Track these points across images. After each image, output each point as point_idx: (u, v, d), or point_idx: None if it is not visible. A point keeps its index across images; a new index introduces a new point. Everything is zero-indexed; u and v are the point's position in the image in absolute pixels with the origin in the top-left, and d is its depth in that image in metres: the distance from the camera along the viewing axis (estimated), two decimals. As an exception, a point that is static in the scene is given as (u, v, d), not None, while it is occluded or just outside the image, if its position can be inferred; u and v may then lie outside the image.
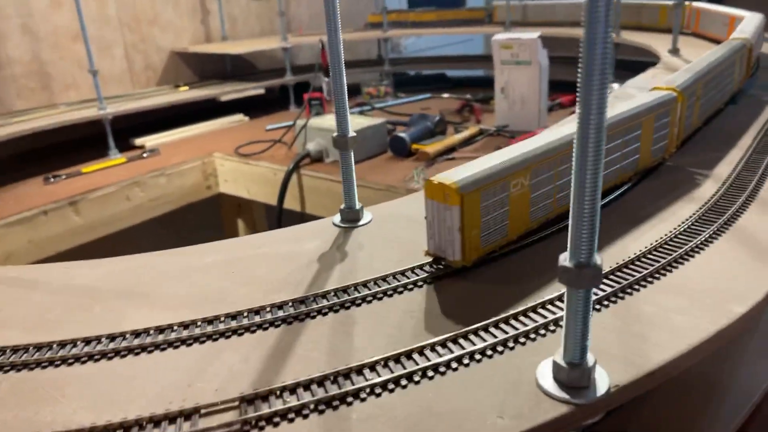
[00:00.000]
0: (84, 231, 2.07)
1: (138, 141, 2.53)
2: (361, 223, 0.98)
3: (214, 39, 3.23)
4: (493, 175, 0.85)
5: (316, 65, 2.42)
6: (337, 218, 0.99)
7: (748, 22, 1.80)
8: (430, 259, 0.86)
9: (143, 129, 2.64)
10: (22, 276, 0.91)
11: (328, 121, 2.19)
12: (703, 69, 1.27)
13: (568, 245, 0.56)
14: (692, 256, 0.84)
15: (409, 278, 0.82)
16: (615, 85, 2.07)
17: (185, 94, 2.71)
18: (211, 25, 3.21)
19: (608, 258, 0.85)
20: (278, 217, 2.14)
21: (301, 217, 3.38)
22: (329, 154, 2.14)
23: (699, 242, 0.87)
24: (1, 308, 0.81)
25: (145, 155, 2.39)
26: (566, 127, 0.97)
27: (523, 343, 0.67)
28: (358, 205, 0.98)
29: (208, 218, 2.85)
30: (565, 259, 0.57)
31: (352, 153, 0.94)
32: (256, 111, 2.95)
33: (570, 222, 0.55)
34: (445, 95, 3.04)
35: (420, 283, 0.82)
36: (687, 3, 2.24)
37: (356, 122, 2.15)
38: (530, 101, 2.25)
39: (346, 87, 0.89)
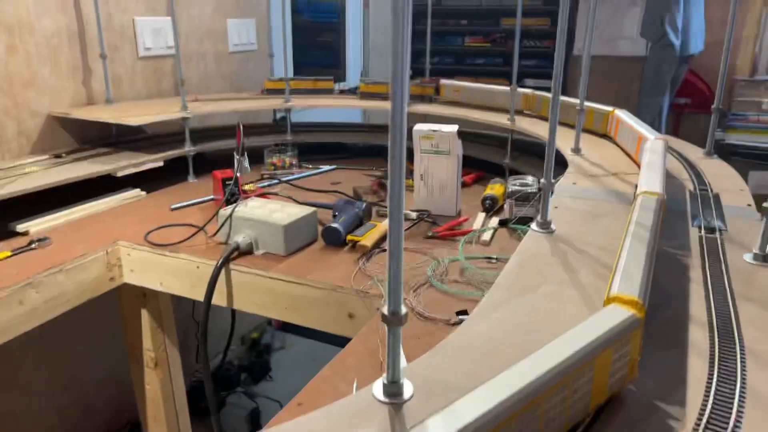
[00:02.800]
0: (-34, 347, 1.75)
1: (20, 227, 2.21)
2: (405, 397, 0.95)
3: (98, 101, 2.95)
4: (491, 420, 0.77)
5: (237, 148, 2.32)
6: (378, 390, 0.96)
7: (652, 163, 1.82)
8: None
9: (22, 209, 2.31)
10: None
11: (256, 210, 2.11)
12: (645, 271, 1.10)
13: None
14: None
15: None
16: (528, 178, 2.27)
17: (76, 170, 2.43)
18: (93, 86, 2.93)
19: None
20: (205, 315, 2.00)
21: (231, 313, 3.20)
22: (259, 246, 2.05)
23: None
24: None
25: (33, 246, 2.09)
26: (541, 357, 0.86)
27: None
28: (402, 379, 0.95)
29: (103, 311, 2.56)
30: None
31: (400, 330, 0.92)
32: (151, 183, 2.73)
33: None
34: (330, 167, 3.08)
35: None
36: (611, 110, 2.55)
37: (287, 212, 2.10)
38: (448, 187, 2.37)
39: (402, 256, 0.88)
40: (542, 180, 1.49)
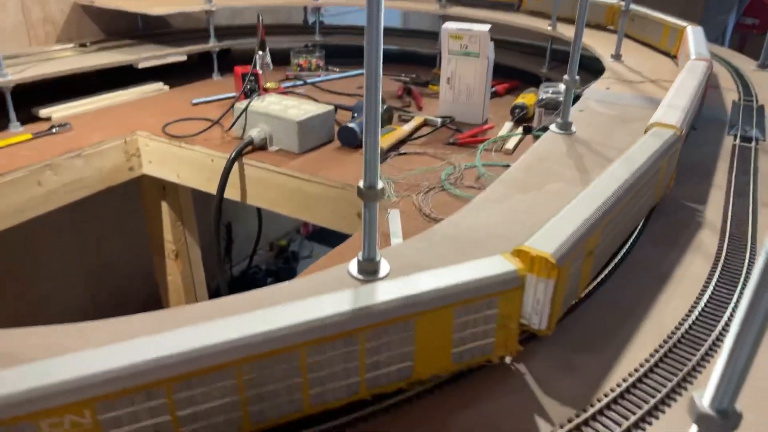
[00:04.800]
0: (-12, 222, 1.81)
1: (43, 112, 2.22)
2: (380, 275, 0.92)
3: (123, -9, 2.87)
4: (579, 240, 0.83)
5: (257, 41, 2.24)
6: (353, 267, 0.93)
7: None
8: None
9: (46, 96, 2.32)
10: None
11: (271, 105, 2.06)
12: (688, 103, 1.28)
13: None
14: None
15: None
16: (561, 86, 2.13)
17: (99, 58, 2.40)
18: (119, -24, 2.85)
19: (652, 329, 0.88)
20: (218, 207, 2.00)
21: (258, 218, 3.20)
22: (273, 142, 2.01)
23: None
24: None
25: (54, 131, 2.11)
26: (613, 170, 0.97)
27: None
28: (378, 256, 0.91)
29: (129, 202, 2.61)
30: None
31: (377, 206, 0.87)
32: (175, 78, 2.70)
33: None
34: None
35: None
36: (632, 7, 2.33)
37: (303, 109, 2.03)
38: (476, 93, 2.25)
39: (379, 129, 0.82)
40: (565, 76, 1.38)
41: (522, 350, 0.83)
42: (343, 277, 0.91)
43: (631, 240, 1.06)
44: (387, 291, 0.75)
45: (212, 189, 2.03)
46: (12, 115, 2.08)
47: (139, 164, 2.20)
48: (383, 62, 0.80)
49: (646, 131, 1.17)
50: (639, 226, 1.10)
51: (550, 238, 0.82)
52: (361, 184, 0.84)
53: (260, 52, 2.36)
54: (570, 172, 1.23)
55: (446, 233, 0.99)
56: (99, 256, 3.09)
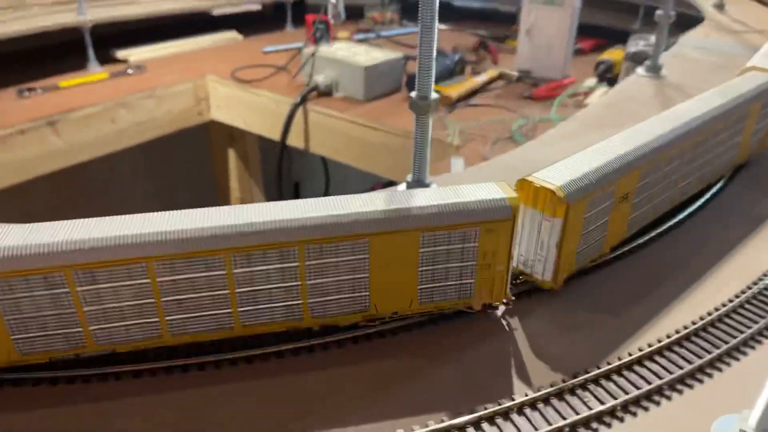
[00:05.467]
0: (64, 154, 1.87)
1: (121, 54, 2.27)
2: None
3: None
4: (603, 178, 0.70)
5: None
6: (402, 188, 0.86)
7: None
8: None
9: (124, 39, 2.37)
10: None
11: (339, 51, 2.00)
12: None
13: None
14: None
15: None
16: (652, 38, 1.93)
17: (175, 3, 2.43)
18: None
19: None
20: (280, 154, 1.98)
21: (325, 175, 3.18)
22: (339, 89, 1.96)
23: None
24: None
25: (130, 72, 2.16)
26: (671, 114, 0.84)
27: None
28: (428, 179, 0.84)
29: (197, 146, 2.65)
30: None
31: (431, 119, 0.79)
32: (249, 28, 2.69)
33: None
34: (444, 27, 2.84)
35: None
36: None
37: (371, 56, 1.96)
38: (557, 46, 2.09)
39: (435, 44, 0.74)
40: (658, 11, 1.23)
41: (515, 302, 0.71)
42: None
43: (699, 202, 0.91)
44: (336, 205, 0.64)
45: (277, 135, 2.01)
46: (91, 54, 2.14)
47: (207, 108, 2.22)
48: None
49: (739, 74, 1.02)
50: (719, 184, 0.94)
51: (563, 171, 0.69)
52: (413, 94, 0.76)
53: (333, 1, 2.30)
54: (654, 114, 1.09)
55: (507, 163, 0.91)
56: (170, 203, 3.19)
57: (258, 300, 0.65)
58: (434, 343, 0.69)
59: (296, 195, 4.03)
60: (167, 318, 0.65)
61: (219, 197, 2.77)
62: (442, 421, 0.57)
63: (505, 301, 0.71)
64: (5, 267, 0.60)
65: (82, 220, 0.65)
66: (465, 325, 0.71)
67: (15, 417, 0.61)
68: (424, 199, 0.65)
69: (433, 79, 0.76)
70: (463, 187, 0.68)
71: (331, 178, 3.36)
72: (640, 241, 0.81)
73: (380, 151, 1.82)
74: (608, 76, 1.99)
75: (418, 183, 0.82)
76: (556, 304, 0.73)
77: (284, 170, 2.05)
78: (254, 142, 2.57)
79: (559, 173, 0.68)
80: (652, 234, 0.83)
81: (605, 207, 0.72)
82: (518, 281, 0.75)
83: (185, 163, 2.97)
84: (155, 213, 0.66)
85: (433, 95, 0.76)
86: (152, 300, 0.63)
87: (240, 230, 0.62)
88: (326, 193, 3.50)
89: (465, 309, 0.71)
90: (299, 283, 0.65)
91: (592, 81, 2.05)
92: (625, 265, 0.79)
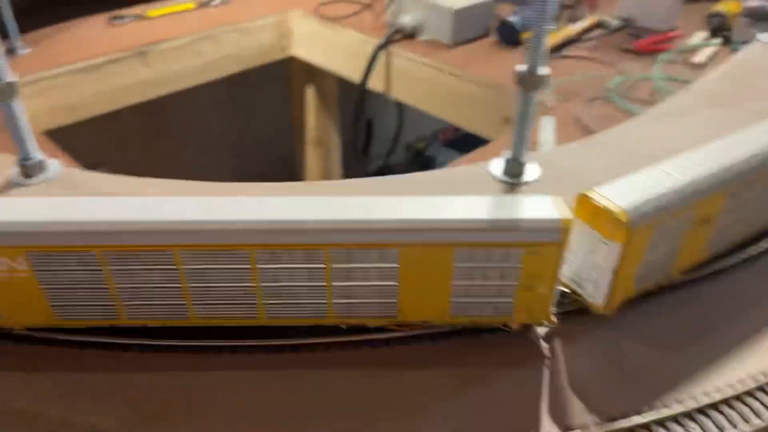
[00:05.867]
0: (152, 85, 1.92)
1: (207, -17, 2.25)
2: (525, 179, 0.80)
3: None
4: (679, 201, 0.61)
5: None
6: (496, 167, 0.82)
7: None
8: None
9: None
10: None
11: (428, -10, 1.90)
12: None
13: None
14: None
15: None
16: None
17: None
18: None
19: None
20: (360, 97, 1.95)
21: (399, 117, 3.11)
22: (425, 31, 1.88)
23: None
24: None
25: (215, 3, 2.14)
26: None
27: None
28: (527, 156, 0.80)
29: (276, 82, 2.66)
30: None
31: (536, 97, 0.74)
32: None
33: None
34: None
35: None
36: None
37: (460, -4, 1.86)
38: (666, -7, 1.91)
39: (554, 8, 0.67)
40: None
41: (559, 322, 0.64)
42: (483, 177, 0.81)
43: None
44: (368, 208, 0.60)
45: (357, 76, 1.97)
46: (179, -18, 2.14)
47: (290, 44, 2.19)
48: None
49: None
50: None
51: (632, 188, 0.60)
52: (521, 68, 0.71)
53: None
54: (783, 90, 0.99)
55: (610, 142, 0.84)
56: (246, 136, 3.25)
57: (282, 295, 0.65)
58: (463, 358, 0.65)
59: (368, 132, 4.01)
60: (194, 304, 0.67)
61: (295, 135, 2.79)
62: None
63: (546, 323, 0.66)
64: (38, 241, 0.63)
65: (120, 199, 0.67)
66: (500, 341, 0.67)
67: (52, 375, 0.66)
68: (463, 210, 0.60)
69: (548, 51, 0.70)
70: (512, 198, 0.63)
71: (405, 117, 3.31)
72: (722, 265, 0.72)
73: (463, 101, 1.76)
74: (723, 33, 1.81)
75: (516, 162, 0.78)
76: (606, 330, 0.67)
77: (362, 112, 2.02)
78: (333, 82, 2.54)
79: (626, 190, 0.60)
80: (739, 258, 0.73)
81: (678, 230, 0.63)
82: (565, 299, 0.69)
83: (264, 98, 2.99)
84: (186, 198, 0.67)
85: (545, 70, 0.70)
86: (179, 285, 0.65)
87: (265, 227, 0.62)
88: (397, 135, 3.46)
89: (501, 327, 0.67)
90: (325, 283, 0.64)
91: (702, 36, 1.87)
92: (697, 291, 0.70)
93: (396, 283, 0.63)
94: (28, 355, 0.70)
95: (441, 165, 4.68)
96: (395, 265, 0.62)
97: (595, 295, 0.64)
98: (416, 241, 0.60)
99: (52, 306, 0.68)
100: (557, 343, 0.66)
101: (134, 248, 0.63)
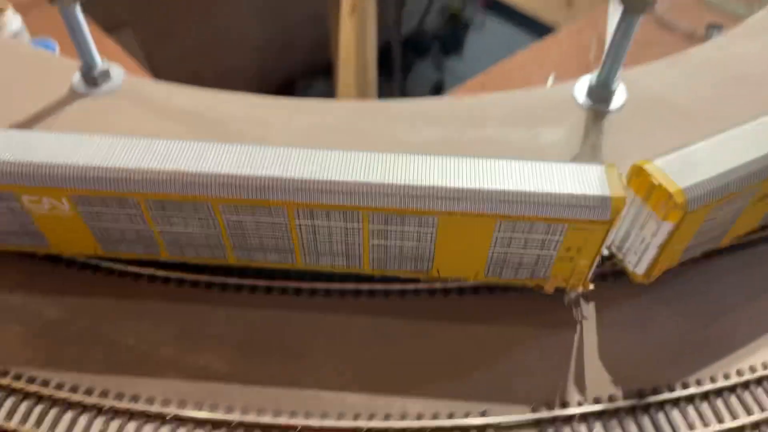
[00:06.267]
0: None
1: None
2: (613, 106, 0.76)
3: None
4: (739, 181, 0.56)
5: None
6: (580, 91, 0.78)
7: None
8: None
9: None
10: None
11: None
12: None
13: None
14: None
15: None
16: None
17: None
18: None
19: None
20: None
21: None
22: None
23: None
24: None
25: None
26: None
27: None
28: (616, 83, 0.75)
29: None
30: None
31: (639, 20, 0.68)
32: None
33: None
34: None
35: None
36: None
37: None
38: None
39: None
40: None
41: (596, 285, 0.62)
42: (565, 102, 0.77)
43: None
44: (411, 172, 0.58)
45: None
46: None
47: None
48: None
49: None
50: None
51: (694, 163, 0.56)
52: (627, -13, 0.65)
53: None
54: None
55: (706, 59, 0.79)
56: (282, 30, 3.09)
57: (319, 247, 0.67)
58: (495, 314, 0.66)
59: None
60: (233, 249, 0.70)
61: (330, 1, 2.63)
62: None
63: (581, 289, 0.65)
64: (83, 185, 0.64)
65: (159, 143, 0.66)
66: (533, 301, 0.66)
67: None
68: (508, 180, 0.57)
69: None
70: (563, 167, 0.58)
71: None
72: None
73: None
74: None
75: (603, 86, 0.74)
76: (643, 298, 0.65)
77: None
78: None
79: (686, 166, 0.55)
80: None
81: (737, 208, 0.59)
82: (605, 261, 0.68)
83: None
84: (229, 146, 0.67)
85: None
86: (217, 231, 0.68)
87: (302, 186, 0.62)
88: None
89: (535, 289, 0.67)
90: (362, 241, 0.65)
91: None
92: (743, 260, 0.66)
93: (432, 245, 0.63)
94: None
95: (476, 29, 4.44)
96: (432, 230, 0.61)
97: (637, 266, 0.63)
98: (456, 210, 0.59)
99: (98, 241, 0.71)
100: (591, 307, 0.65)
101: (173, 197, 0.64)
